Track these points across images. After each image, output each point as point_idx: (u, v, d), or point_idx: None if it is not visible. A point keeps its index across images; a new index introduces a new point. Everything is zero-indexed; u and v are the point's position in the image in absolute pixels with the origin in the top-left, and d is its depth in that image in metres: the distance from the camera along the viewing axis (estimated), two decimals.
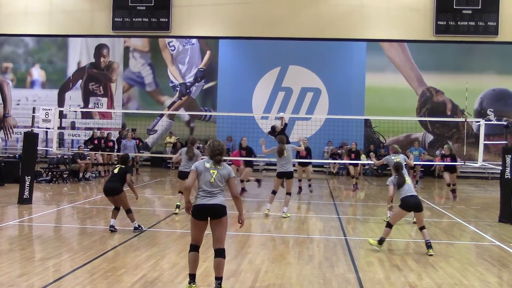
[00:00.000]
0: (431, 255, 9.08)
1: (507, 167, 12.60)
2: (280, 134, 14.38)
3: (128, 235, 10.12)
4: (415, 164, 20.84)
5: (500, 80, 26.06)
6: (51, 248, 8.94)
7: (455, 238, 10.87)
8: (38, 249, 8.97)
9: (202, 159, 9.11)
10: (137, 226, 10.45)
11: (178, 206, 12.55)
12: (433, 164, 24.23)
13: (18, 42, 28.59)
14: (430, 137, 26.18)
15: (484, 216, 13.78)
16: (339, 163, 25.23)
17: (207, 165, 6.86)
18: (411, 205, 9.55)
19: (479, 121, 17.20)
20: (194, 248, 6.80)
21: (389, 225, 9.55)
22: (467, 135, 24.28)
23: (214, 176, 6.79)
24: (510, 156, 12.63)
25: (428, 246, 9.21)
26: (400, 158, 11.45)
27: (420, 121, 25.59)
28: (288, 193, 12.88)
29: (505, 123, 15.56)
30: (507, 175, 12.64)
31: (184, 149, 13.00)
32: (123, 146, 20.87)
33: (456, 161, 17.89)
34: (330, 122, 25.03)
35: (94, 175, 20.70)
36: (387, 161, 11.81)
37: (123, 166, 10.69)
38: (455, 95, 25.83)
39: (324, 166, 26.16)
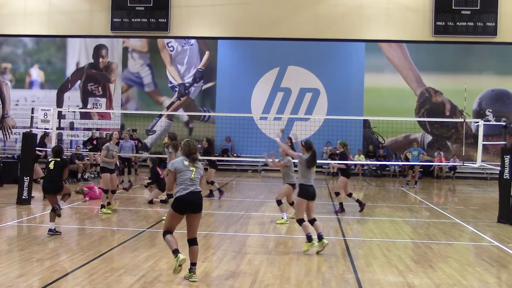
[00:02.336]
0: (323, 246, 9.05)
1: (506, 167, 12.62)
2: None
3: (127, 235, 10.12)
4: (414, 165, 20.93)
5: (499, 81, 26.09)
6: (50, 249, 8.94)
7: (453, 239, 10.88)
8: (37, 250, 8.96)
9: None
10: (58, 206, 9.99)
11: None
12: (432, 165, 24.25)
13: (17, 43, 28.57)
14: (429, 138, 26.20)
15: (483, 216, 13.80)
16: (338, 163, 25.22)
17: (186, 163, 7.40)
18: (311, 193, 9.36)
19: (478, 122, 17.20)
20: (169, 232, 7.39)
21: (301, 221, 9.27)
22: (466, 136, 24.32)
23: (193, 173, 7.38)
24: (508, 156, 12.65)
25: (320, 237, 9.12)
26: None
27: (419, 121, 25.62)
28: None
29: (503, 123, 15.63)
30: (505, 176, 12.66)
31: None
32: (120, 147, 20.78)
33: (346, 160, 14.62)
34: (329, 122, 25.08)
35: (93, 175, 20.70)
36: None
37: (58, 160, 10.24)
38: (454, 95, 25.85)
39: (323, 166, 26.16)
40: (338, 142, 14.83)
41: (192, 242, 7.34)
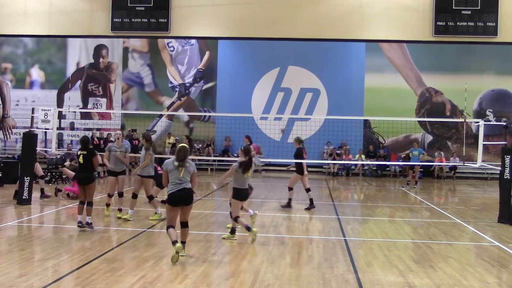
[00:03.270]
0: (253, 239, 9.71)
1: (506, 167, 12.61)
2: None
3: (127, 235, 10.13)
4: (414, 165, 20.92)
5: (499, 81, 26.08)
6: (50, 249, 8.94)
7: (454, 239, 10.88)
8: (37, 250, 8.97)
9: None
10: (89, 222, 10.41)
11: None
12: (433, 165, 24.26)
13: (17, 43, 28.59)
14: (429, 138, 26.19)
15: (483, 216, 13.80)
16: (338, 163, 25.29)
17: (175, 164, 8.52)
18: (246, 195, 10.25)
19: (478, 122, 17.21)
20: (171, 226, 8.46)
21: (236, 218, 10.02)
22: (466, 136, 24.31)
23: (182, 172, 8.49)
24: (509, 156, 12.65)
25: (248, 229, 9.74)
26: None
27: (419, 121, 25.61)
28: None
29: (504, 123, 15.63)
30: (506, 176, 12.65)
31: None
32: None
33: (302, 158, 14.30)
34: (329, 122, 25.11)
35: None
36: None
37: (85, 152, 10.45)
38: (454, 95, 25.86)
39: (323, 166, 26.17)
40: (294, 139, 15.03)
41: (184, 225, 8.60)
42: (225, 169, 26.13)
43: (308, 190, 14.24)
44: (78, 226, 10.36)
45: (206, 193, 14.56)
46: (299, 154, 14.34)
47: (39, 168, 15.64)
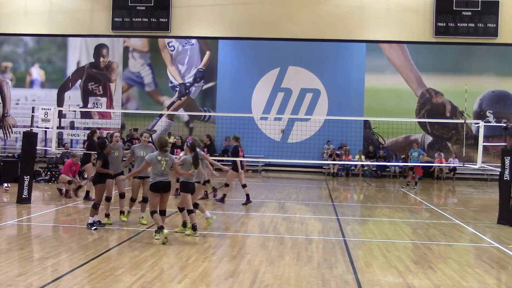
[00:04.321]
0: (188, 235, 10.09)
1: (506, 168, 12.60)
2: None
3: (126, 235, 10.12)
4: (414, 166, 20.90)
5: (500, 82, 26.08)
6: (50, 248, 8.94)
7: (453, 240, 10.88)
8: (36, 249, 8.96)
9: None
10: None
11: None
12: (432, 166, 24.26)
13: (18, 42, 28.59)
14: (429, 139, 26.19)
15: (483, 217, 13.80)
16: (338, 164, 25.30)
17: (159, 157, 9.69)
18: (193, 189, 10.50)
19: (478, 123, 17.18)
20: (155, 211, 9.76)
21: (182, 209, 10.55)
22: (466, 137, 24.33)
23: (163, 165, 9.68)
24: (509, 157, 12.64)
25: (194, 228, 10.16)
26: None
27: (419, 122, 25.62)
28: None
29: (504, 124, 15.60)
30: (506, 177, 12.64)
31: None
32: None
33: (237, 156, 14.52)
34: (329, 123, 25.16)
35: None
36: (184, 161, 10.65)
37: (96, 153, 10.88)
38: (455, 96, 25.87)
39: (323, 167, 26.17)
40: (232, 137, 15.35)
41: (162, 213, 9.90)
42: None
43: (244, 186, 14.64)
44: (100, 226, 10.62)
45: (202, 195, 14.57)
46: (235, 151, 14.66)
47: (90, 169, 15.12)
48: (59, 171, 19.18)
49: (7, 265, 7.79)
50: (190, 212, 10.24)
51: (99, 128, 26.11)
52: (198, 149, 10.84)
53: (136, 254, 8.69)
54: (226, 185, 14.78)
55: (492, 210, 14.44)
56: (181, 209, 10.49)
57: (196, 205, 10.80)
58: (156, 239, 9.62)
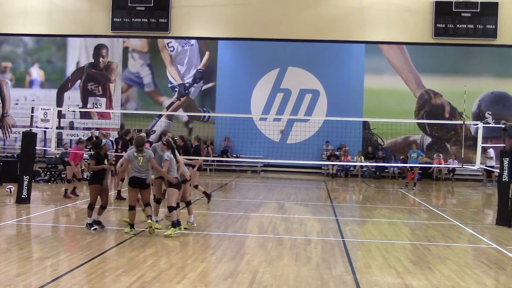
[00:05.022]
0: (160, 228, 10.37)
1: (505, 169, 12.64)
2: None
3: (125, 235, 10.11)
4: (413, 166, 20.93)
5: (499, 83, 26.11)
6: (49, 248, 8.94)
7: (452, 241, 10.89)
8: (36, 249, 8.97)
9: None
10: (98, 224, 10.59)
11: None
12: (431, 167, 24.28)
13: (17, 42, 28.58)
14: (428, 140, 26.21)
15: (481, 218, 13.82)
16: (337, 164, 25.32)
17: (135, 154, 10.10)
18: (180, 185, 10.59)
19: (477, 124, 17.19)
20: (133, 208, 10.19)
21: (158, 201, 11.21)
22: (465, 138, 24.35)
23: (141, 161, 10.06)
24: (507, 159, 12.67)
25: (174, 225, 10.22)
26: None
27: (418, 123, 25.64)
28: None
29: (503, 126, 15.60)
30: (504, 178, 12.67)
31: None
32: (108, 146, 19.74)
33: (199, 156, 14.60)
34: (329, 123, 25.16)
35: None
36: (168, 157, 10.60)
37: (145, 154, 10.35)
38: (454, 97, 25.89)
39: (322, 167, 26.18)
40: (193, 136, 15.25)
41: (147, 205, 10.31)
42: (225, 169, 26.27)
43: (196, 187, 14.04)
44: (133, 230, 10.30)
45: (201, 196, 14.55)
46: (197, 151, 14.49)
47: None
48: (58, 171, 19.22)
49: (6, 265, 7.79)
50: (171, 209, 10.21)
51: (98, 128, 26.21)
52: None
53: (135, 254, 8.70)
54: (196, 186, 14.02)
55: (491, 211, 14.46)
56: (158, 201, 11.19)
57: (189, 203, 11.17)
58: (125, 232, 10.13)
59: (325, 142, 26.06)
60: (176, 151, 10.70)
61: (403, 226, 12.43)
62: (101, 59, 28.02)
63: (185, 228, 10.64)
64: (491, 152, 23.13)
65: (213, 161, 25.78)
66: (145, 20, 26.69)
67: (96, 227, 10.47)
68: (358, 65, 26.71)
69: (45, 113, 15.58)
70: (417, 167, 21.18)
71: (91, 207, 10.49)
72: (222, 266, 8.16)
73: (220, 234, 10.68)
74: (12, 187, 15.28)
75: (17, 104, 28.09)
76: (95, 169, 10.57)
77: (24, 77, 28.53)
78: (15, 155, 20.18)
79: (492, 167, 21.64)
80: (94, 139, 21.80)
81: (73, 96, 27.98)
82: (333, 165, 25.27)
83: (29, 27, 27.57)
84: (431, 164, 24.38)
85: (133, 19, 26.72)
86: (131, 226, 10.18)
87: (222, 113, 25.91)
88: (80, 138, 17.28)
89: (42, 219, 11.79)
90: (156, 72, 27.74)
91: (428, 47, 26.10)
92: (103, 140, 11.85)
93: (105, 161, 10.72)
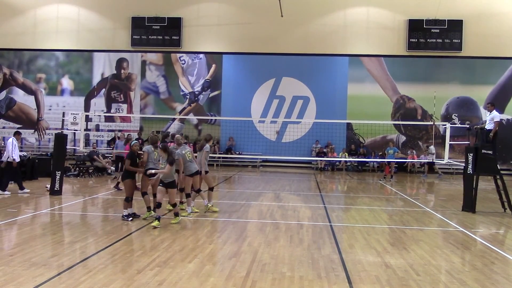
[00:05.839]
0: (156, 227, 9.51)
1: (469, 163, 12.64)
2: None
3: (144, 221, 10.10)
4: (390, 161, 20.92)
5: (464, 89, 26.07)
6: (78, 233, 8.92)
7: (424, 225, 10.87)
8: (67, 234, 8.95)
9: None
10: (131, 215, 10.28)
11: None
12: (406, 161, 24.27)
13: (50, 56, 28.52)
14: (403, 138, 26.18)
15: (449, 206, 13.79)
16: (325, 160, 25.28)
17: (152, 149, 10.47)
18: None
19: (445, 125, 17.22)
20: (146, 193, 10.51)
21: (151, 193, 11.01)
22: (435, 137, 24.33)
23: (156, 154, 10.39)
24: (471, 154, 12.67)
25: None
26: (187, 150, 11.03)
27: (394, 124, 25.62)
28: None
29: (467, 126, 15.57)
30: (469, 171, 12.68)
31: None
32: (115, 146, 19.44)
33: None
34: (317, 125, 25.33)
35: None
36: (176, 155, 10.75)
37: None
38: (425, 102, 25.85)
39: (312, 163, 26.16)
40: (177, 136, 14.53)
41: (154, 196, 10.41)
42: (229, 164, 26.25)
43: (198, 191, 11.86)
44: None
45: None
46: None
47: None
48: (86, 167, 19.19)
49: (42, 248, 7.78)
50: (188, 195, 10.89)
51: (120, 130, 26.16)
52: (184, 144, 11.18)
53: (152, 237, 8.68)
54: (198, 190, 12.72)
55: (458, 199, 14.44)
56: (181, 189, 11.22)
57: (198, 191, 11.37)
58: (143, 218, 10.28)
59: (315, 141, 26.03)
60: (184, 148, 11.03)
61: (382, 212, 12.40)
62: (122, 71, 27.97)
63: (205, 212, 11.25)
64: (432, 149, 23.28)
65: (219, 157, 25.75)
66: (160, 37, 26.68)
67: (132, 218, 10.20)
68: (342, 75, 26.65)
69: (74, 117, 15.58)
70: (394, 162, 21.18)
71: (127, 199, 10.19)
72: (227, 247, 8.14)
73: (225, 220, 10.66)
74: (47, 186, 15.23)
75: (50, 109, 28.04)
76: (130, 170, 10.28)
77: (56, 87, 28.48)
78: (48, 153, 20.16)
79: (432, 162, 22.19)
80: (118, 139, 21.79)
81: (98, 102, 27.92)
82: (321, 160, 25.25)
83: (61, 44, 27.54)
84: (406, 159, 24.35)
85: (150, 37, 26.71)
86: (148, 208, 10.44)
87: (227, 116, 25.89)
88: (129, 136, 16.73)
89: (72, 208, 11.77)
90: (170, 82, 27.69)
91: (402, 59, 26.06)
92: (117, 140, 11.78)
93: (137, 160, 10.41)
